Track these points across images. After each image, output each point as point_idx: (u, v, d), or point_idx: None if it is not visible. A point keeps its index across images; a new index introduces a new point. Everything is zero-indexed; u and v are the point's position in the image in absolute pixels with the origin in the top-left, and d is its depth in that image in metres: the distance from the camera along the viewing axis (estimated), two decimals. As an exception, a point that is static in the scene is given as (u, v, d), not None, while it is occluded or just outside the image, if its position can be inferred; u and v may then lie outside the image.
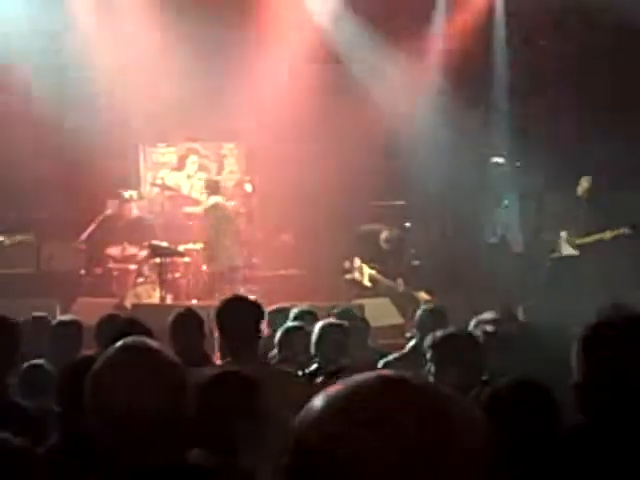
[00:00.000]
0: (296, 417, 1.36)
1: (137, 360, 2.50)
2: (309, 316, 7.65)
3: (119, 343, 2.58)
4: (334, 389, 1.35)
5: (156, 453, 2.41)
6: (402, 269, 13.39)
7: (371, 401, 1.32)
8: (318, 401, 1.35)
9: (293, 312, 7.90)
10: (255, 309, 5.35)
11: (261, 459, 3.18)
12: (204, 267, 13.90)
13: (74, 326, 7.54)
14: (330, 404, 1.33)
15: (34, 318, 7.96)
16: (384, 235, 13.48)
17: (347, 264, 13.65)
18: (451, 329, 5.28)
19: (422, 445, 1.28)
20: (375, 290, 13.31)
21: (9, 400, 4.77)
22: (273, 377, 4.79)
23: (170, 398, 2.45)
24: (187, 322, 6.45)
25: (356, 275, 13.57)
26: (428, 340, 4.98)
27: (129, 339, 2.62)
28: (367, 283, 13.48)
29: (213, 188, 14.33)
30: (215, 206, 13.95)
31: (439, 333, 4.97)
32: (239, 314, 5.18)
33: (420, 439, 1.29)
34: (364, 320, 8.50)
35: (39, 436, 3.85)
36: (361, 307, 11.06)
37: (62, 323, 7.73)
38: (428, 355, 4.85)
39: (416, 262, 13.89)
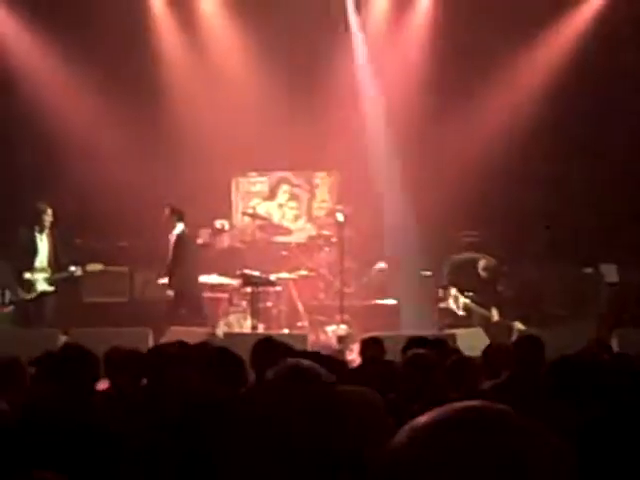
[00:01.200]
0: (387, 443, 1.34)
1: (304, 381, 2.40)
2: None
3: (281, 365, 2.48)
4: (423, 418, 1.34)
5: None
6: (497, 299, 13.16)
7: (455, 434, 1.29)
8: (408, 426, 1.34)
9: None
10: None
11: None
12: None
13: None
14: (415, 434, 1.32)
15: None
16: (482, 263, 13.26)
17: (441, 292, 13.45)
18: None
19: None
20: (469, 319, 13.10)
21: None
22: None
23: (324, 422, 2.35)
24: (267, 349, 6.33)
25: (450, 304, 13.37)
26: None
27: (291, 361, 2.53)
28: (461, 312, 13.27)
29: None
30: None
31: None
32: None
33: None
34: (456, 350, 8.30)
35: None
36: (453, 337, 10.88)
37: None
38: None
39: (508, 292, 13.65)
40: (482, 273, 13.20)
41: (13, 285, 13.27)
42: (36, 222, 13.27)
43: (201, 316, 13.14)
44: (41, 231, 13.28)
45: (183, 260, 13.25)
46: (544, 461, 1.29)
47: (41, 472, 3.02)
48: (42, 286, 13.19)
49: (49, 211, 13.32)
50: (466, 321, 13.11)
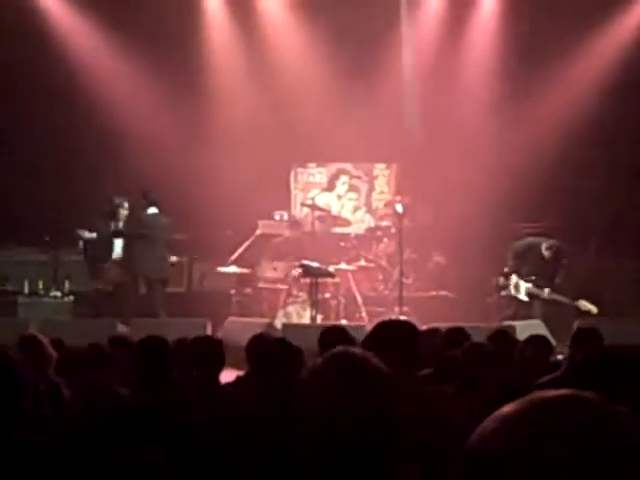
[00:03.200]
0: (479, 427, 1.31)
1: (348, 371, 2.35)
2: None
3: (329, 354, 2.42)
4: (511, 407, 1.30)
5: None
6: (560, 280, 13.05)
7: (548, 414, 1.26)
8: (493, 417, 1.30)
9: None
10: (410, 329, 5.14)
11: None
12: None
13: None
14: (503, 424, 1.28)
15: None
16: (546, 243, 13.11)
17: (502, 280, 13.34)
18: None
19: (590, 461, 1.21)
20: (532, 304, 12.98)
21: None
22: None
23: (379, 409, 2.30)
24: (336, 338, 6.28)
25: (512, 291, 13.25)
26: None
27: (339, 349, 2.46)
28: (524, 298, 13.16)
29: None
30: None
31: None
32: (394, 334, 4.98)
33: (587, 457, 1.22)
34: (515, 340, 8.20)
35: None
36: (512, 328, 10.78)
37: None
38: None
39: (567, 284, 13.55)
40: (546, 253, 13.03)
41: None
42: (113, 215, 13.58)
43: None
44: (117, 224, 13.59)
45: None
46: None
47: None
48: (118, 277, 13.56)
49: (125, 204, 13.63)
50: (528, 309, 13.01)
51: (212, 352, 5.80)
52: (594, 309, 12.50)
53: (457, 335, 7.39)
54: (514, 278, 13.22)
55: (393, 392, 2.36)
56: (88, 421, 3.32)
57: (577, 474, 1.20)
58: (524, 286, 13.13)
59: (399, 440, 2.35)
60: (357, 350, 2.48)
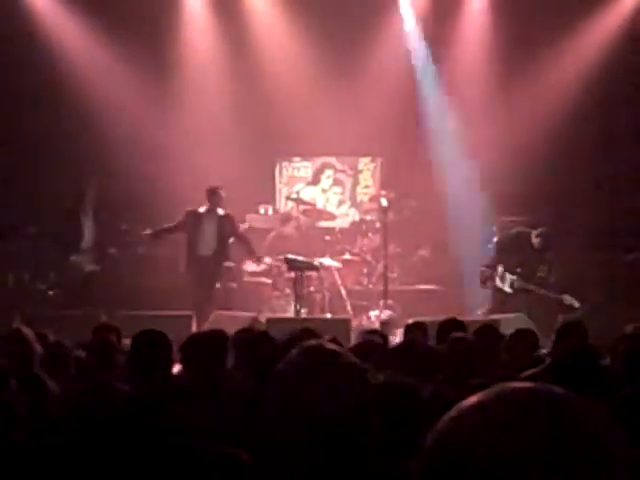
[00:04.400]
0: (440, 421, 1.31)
1: (322, 363, 2.35)
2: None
3: (300, 347, 2.42)
4: (471, 400, 1.30)
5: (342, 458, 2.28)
6: (544, 274, 13.07)
7: (509, 407, 1.26)
8: (457, 407, 1.30)
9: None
10: None
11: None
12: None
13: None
14: (462, 416, 1.28)
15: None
16: (536, 231, 13.07)
17: (487, 272, 13.34)
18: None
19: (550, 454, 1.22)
20: (517, 296, 12.99)
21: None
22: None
23: (355, 402, 2.30)
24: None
25: (498, 282, 13.26)
26: None
27: (310, 343, 2.46)
28: (508, 290, 13.17)
29: None
30: None
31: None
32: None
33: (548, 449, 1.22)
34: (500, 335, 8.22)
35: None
36: (496, 322, 10.79)
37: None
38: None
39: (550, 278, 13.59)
40: (536, 241, 12.99)
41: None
42: (80, 204, 13.36)
43: None
44: (85, 213, 13.36)
45: None
46: (607, 443, 1.24)
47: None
48: (89, 267, 13.33)
49: (92, 193, 13.39)
50: (513, 301, 13.01)
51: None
52: (577, 303, 12.53)
53: (452, 326, 7.38)
54: (500, 269, 13.23)
55: (366, 386, 2.36)
56: (78, 417, 3.31)
57: (538, 467, 1.20)
58: (509, 278, 13.14)
59: (374, 435, 2.36)
60: (331, 345, 2.48)
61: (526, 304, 12.77)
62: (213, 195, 12.99)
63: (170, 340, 5.74)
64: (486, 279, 13.25)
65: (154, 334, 5.73)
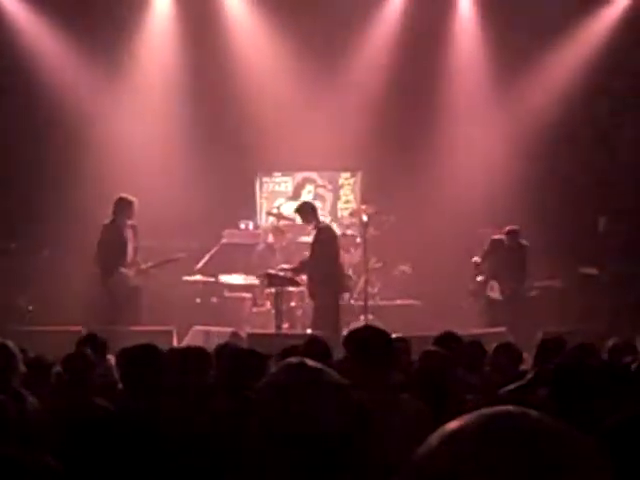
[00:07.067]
0: (421, 446, 1.32)
1: (307, 381, 2.34)
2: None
3: (284, 364, 2.41)
4: (453, 425, 1.32)
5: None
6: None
7: (487, 442, 1.27)
8: (438, 433, 1.32)
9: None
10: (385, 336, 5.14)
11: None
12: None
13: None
14: (447, 436, 1.30)
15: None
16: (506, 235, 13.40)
17: (473, 286, 13.53)
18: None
19: None
20: (508, 303, 13.16)
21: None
22: (398, 402, 4.63)
23: (338, 419, 2.29)
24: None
25: (489, 292, 13.43)
26: None
27: (293, 359, 2.45)
28: (498, 297, 13.33)
29: None
30: None
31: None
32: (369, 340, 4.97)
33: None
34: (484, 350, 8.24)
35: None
36: (481, 337, 10.82)
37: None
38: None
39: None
40: (524, 242, 13.33)
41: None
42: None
43: None
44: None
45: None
46: (581, 468, 1.26)
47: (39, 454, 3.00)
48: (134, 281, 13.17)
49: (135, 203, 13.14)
50: (502, 308, 13.16)
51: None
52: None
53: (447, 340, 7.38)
54: (482, 278, 13.47)
55: (349, 404, 2.35)
56: (58, 433, 3.29)
57: None
58: (497, 285, 13.36)
59: (357, 452, 2.35)
60: (312, 362, 2.47)
61: (513, 309, 12.97)
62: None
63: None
64: (473, 292, 13.42)
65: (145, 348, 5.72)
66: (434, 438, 1.31)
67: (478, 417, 1.31)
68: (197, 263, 14.09)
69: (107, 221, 13.02)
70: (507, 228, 13.45)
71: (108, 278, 12.90)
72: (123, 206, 12.98)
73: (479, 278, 13.66)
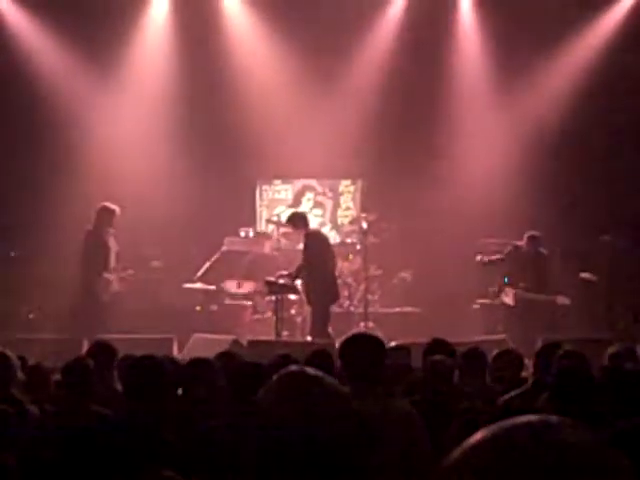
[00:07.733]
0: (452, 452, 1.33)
1: (307, 388, 2.33)
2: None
3: (284, 372, 2.40)
4: (478, 437, 1.32)
5: None
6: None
7: (514, 453, 1.26)
8: (461, 447, 1.32)
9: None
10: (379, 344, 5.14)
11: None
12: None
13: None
14: (469, 450, 1.31)
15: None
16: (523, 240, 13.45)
17: (496, 288, 13.57)
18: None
19: None
20: (521, 308, 13.14)
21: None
22: (393, 411, 4.61)
23: (338, 428, 2.29)
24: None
25: (504, 298, 13.42)
26: None
27: (292, 367, 2.44)
28: (510, 302, 13.33)
29: None
30: None
31: None
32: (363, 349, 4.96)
33: None
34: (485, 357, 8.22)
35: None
36: (481, 344, 10.80)
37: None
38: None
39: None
40: (543, 250, 13.33)
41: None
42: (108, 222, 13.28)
43: None
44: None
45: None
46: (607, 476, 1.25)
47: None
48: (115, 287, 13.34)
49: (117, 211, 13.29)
50: (518, 310, 13.15)
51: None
52: (568, 301, 12.90)
53: (439, 347, 7.35)
54: (506, 288, 13.51)
55: (350, 412, 2.35)
56: (59, 441, 3.28)
57: None
58: (511, 292, 13.36)
59: (358, 461, 2.34)
60: (311, 370, 2.46)
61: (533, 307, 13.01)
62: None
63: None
64: (494, 295, 13.49)
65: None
66: (457, 452, 1.31)
67: (498, 429, 1.30)
68: (197, 271, 14.10)
69: (90, 227, 13.18)
70: (527, 234, 13.41)
71: (93, 283, 13.05)
72: (105, 214, 13.23)
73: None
